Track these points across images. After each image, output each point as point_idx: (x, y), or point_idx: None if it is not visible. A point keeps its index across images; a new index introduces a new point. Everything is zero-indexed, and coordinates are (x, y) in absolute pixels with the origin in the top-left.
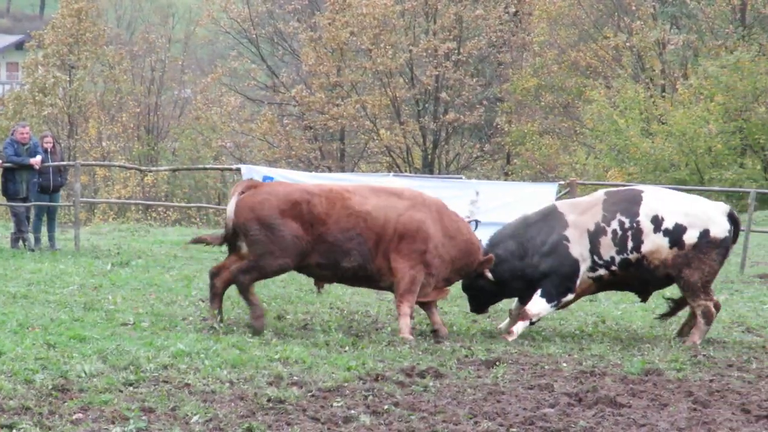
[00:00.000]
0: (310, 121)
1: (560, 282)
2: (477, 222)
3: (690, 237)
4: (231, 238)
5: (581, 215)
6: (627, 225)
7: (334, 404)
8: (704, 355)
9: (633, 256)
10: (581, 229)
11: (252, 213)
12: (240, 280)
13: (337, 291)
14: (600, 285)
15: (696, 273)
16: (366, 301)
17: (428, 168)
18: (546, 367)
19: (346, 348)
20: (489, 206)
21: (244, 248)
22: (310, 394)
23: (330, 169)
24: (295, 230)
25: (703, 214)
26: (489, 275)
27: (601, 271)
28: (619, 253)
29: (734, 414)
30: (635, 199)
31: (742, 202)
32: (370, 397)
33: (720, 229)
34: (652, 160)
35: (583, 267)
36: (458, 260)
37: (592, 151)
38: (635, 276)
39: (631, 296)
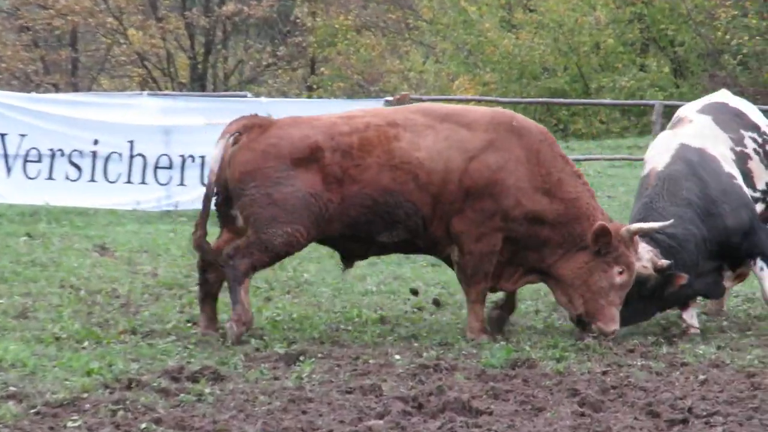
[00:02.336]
0: (27, 19)
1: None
2: None
3: None
4: (220, 205)
5: None
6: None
7: (69, 424)
8: (594, 338)
9: None
10: None
11: (253, 165)
12: (234, 265)
13: (71, 263)
14: None
15: None
16: (112, 275)
17: (199, 83)
18: (371, 361)
19: (85, 344)
20: None
21: (240, 220)
22: (33, 410)
23: (57, 87)
24: (311, 186)
25: None
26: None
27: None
28: None
29: (637, 419)
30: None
31: (644, 119)
32: (121, 413)
33: None
34: (517, 64)
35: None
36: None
37: (431, 53)
38: None
39: None
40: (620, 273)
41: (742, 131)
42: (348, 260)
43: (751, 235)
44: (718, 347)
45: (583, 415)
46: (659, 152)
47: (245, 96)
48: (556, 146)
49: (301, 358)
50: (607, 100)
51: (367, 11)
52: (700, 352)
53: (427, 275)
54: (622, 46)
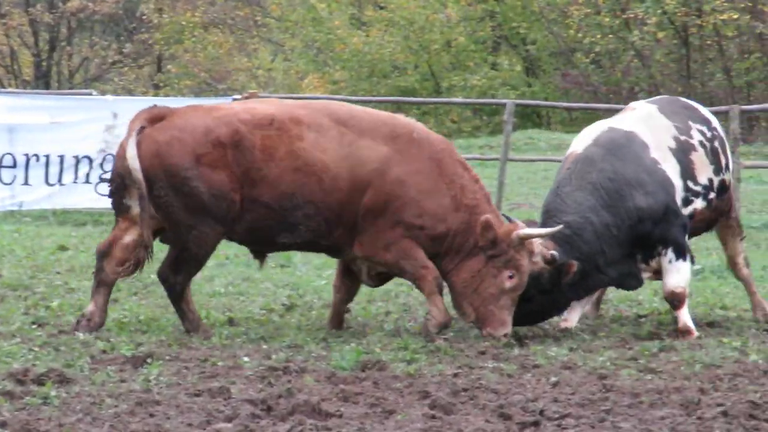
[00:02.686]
0: None
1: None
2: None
3: None
4: (115, 194)
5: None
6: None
7: None
8: (445, 340)
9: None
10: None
11: (158, 160)
12: (172, 283)
13: None
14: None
15: None
16: None
17: (43, 80)
18: (220, 363)
19: None
20: None
21: (135, 208)
22: None
23: None
24: (217, 184)
25: None
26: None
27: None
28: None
29: (489, 421)
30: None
31: (495, 118)
32: None
33: None
34: (367, 62)
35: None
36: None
37: (280, 50)
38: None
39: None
40: (510, 277)
41: (690, 122)
42: (258, 256)
43: (663, 223)
44: (570, 349)
45: (434, 417)
46: (585, 136)
47: (90, 94)
48: (455, 153)
49: (149, 360)
50: (459, 99)
51: (214, 8)
52: (552, 354)
53: (276, 276)
54: (474, 44)
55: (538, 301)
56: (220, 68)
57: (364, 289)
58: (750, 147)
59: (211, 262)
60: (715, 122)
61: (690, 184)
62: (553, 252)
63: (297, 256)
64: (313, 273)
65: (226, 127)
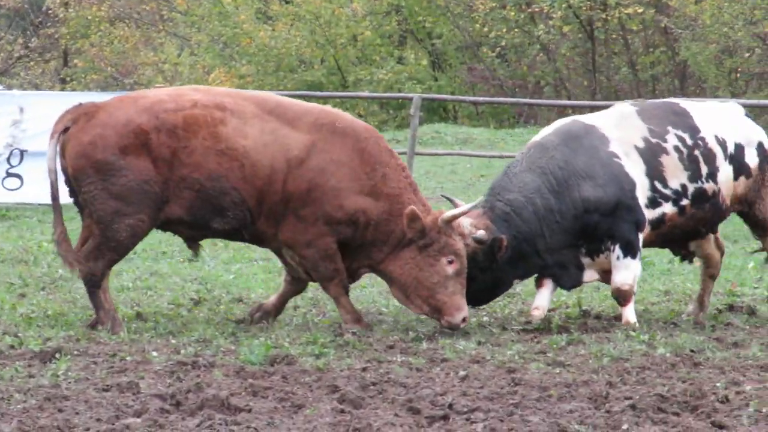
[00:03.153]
0: None
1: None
2: (22, 152)
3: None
4: (74, 198)
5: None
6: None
7: None
8: (354, 334)
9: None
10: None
11: (84, 160)
12: (89, 271)
13: None
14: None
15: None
16: None
17: None
18: (129, 358)
19: None
20: (40, 128)
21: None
22: None
23: None
24: (143, 172)
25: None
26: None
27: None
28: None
29: (398, 415)
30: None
31: (402, 112)
32: None
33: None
34: (274, 56)
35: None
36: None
37: (187, 45)
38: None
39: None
40: (450, 262)
41: (670, 127)
42: (191, 244)
43: (612, 217)
44: (479, 343)
45: (343, 411)
46: (548, 127)
47: None
48: (381, 141)
49: (57, 355)
50: (365, 93)
51: (120, 2)
52: (461, 347)
53: (184, 271)
54: (380, 39)
55: (482, 280)
56: (126, 62)
57: (271, 284)
58: None
59: None
60: (712, 131)
61: (658, 185)
62: (481, 232)
63: (206, 250)
64: (222, 268)
65: (147, 114)
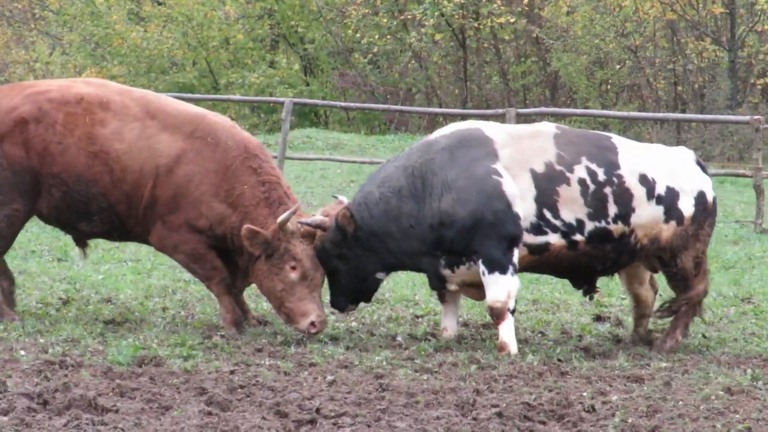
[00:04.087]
0: None
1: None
2: None
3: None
4: None
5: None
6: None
7: None
8: (222, 336)
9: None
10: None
11: None
12: None
13: None
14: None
15: (689, 257)
16: None
17: None
18: None
19: None
20: None
21: None
22: None
23: None
24: (18, 160)
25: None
26: None
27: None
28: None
29: (265, 419)
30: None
31: (273, 116)
32: None
33: (708, 186)
34: (146, 58)
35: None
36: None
37: (59, 44)
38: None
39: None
40: (293, 268)
41: (585, 159)
42: (79, 244)
43: (471, 234)
44: (347, 348)
45: (210, 414)
46: (449, 127)
47: None
48: (248, 160)
49: None
50: (237, 96)
51: None
52: (329, 352)
53: (53, 270)
54: (252, 42)
55: (345, 272)
56: None
57: (140, 284)
58: None
59: None
60: (631, 170)
61: (547, 213)
62: (317, 217)
63: (75, 250)
64: (91, 267)
65: (31, 104)
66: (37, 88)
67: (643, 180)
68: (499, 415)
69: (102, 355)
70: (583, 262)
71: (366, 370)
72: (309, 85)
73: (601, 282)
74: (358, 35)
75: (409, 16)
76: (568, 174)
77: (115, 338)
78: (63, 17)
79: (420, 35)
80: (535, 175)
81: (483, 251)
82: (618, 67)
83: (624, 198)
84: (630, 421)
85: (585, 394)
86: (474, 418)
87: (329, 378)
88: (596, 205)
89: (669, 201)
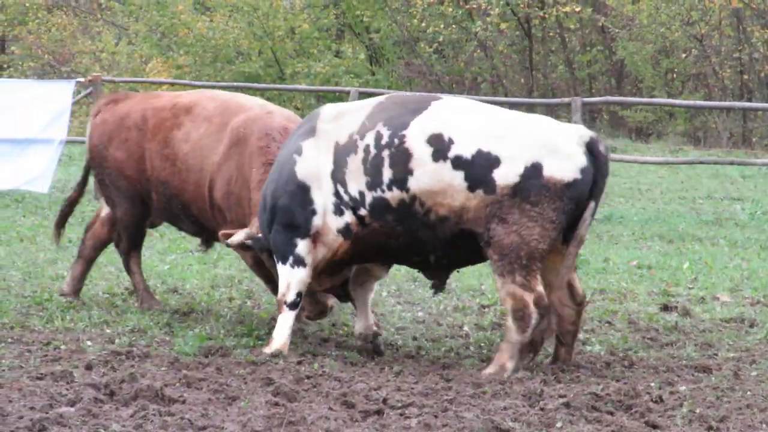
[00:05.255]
0: None
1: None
2: None
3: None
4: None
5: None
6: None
7: None
8: (297, 328)
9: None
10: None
11: (91, 142)
12: (120, 251)
13: None
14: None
15: (512, 235)
16: None
17: None
18: (63, 347)
19: None
20: None
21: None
22: None
23: None
24: (120, 164)
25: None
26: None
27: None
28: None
29: (332, 409)
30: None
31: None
32: None
33: (565, 165)
34: (211, 47)
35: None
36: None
37: (125, 34)
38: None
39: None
40: None
41: (381, 124)
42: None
43: (270, 222)
44: (413, 338)
45: (277, 404)
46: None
47: None
48: (263, 140)
49: None
50: (303, 86)
51: None
52: (396, 342)
53: (119, 260)
54: (318, 32)
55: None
56: (63, 50)
57: (206, 274)
58: None
59: (54, 246)
60: (433, 131)
61: (340, 189)
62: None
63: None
64: (157, 258)
65: (141, 112)
66: (150, 100)
67: (434, 140)
68: (567, 405)
69: (168, 345)
70: (383, 242)
71: (433, 360)
72: (374, 75)
73: (668, 270)
74: (423, 24)
75: (474, 6)
76: (359, 142)
77: (181, 328)
78: (129, 7)
79: (485, 24)
80: (337, 149)
81: (272, 236)
82: (684, 55)
83: (399, 161)
84: (698, 411)
85: (652, 384)
86: (541, 409)
87: (396, 368)
88: (372, 173)
89: (475, 165)
